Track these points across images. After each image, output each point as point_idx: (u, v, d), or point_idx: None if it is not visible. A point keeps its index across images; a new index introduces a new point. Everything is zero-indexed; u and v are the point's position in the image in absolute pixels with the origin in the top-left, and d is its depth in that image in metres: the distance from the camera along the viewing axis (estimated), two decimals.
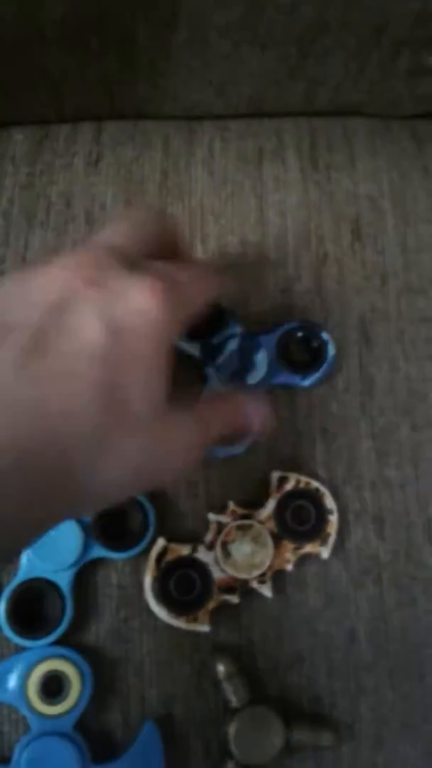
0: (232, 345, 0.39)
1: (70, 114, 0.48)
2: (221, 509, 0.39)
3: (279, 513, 0.38)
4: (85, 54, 0.41)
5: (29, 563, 0.37)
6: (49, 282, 0.24)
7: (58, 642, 0.36)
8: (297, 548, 0.38)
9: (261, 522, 0.38)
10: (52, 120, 0.48)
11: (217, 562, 0.37)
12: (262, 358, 0.39)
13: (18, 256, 0.43)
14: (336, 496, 0.39)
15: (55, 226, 0.44)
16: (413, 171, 0.47)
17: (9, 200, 0.45)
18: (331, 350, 0.40)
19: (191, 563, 0.37)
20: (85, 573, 0.38)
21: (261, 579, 0.37)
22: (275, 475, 0.39)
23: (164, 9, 0.38)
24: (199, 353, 0.39)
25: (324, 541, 0.38)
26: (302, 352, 0.41)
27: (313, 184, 0.46)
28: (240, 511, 0.38)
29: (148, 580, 0.37)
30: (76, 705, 0.36)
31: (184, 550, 0.37)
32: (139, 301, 0.24)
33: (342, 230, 0.45)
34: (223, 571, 0.37)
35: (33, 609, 0.36)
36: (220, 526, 0.38)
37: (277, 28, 0.40)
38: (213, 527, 0.38)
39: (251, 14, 0.38)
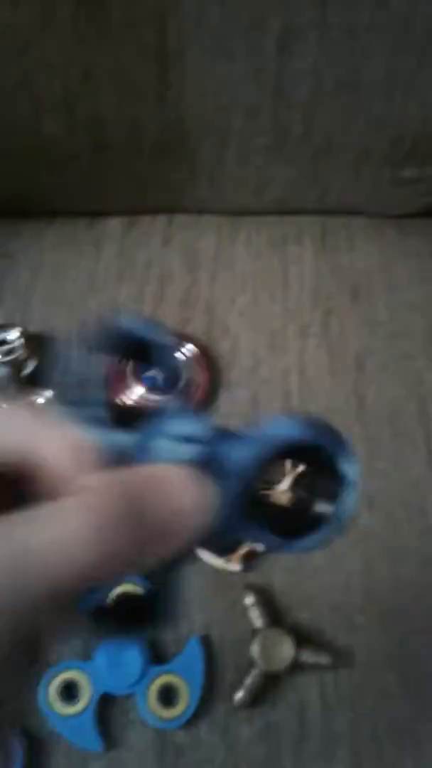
0: None
1: (150, 208, 0.61)
2: None
3: (292, 488, 0.47)
4: (167, 163, 0.54)
5: None
6: None
7: None
8: None
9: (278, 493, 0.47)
10: (137, 212, 0.61)
11: None
12: None
13: (111, 300, 0.55)
14: None
15: (137, 282, 0.57)
16: (398, 254, 0.59)
17: (106, 264, 0.58)
18: None
19: None
20: None
21: None
22: (289, 462, 0.48)
23: (220, 132, 0.51)
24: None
25: None
26: None
27: (323, 261, 0.58)
28: (263, 486, 0.48)
29: None
30: None
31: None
32: None
33: (344, 292, 0.57)
34: None
35: None
36: None
37: (296, 149, 0.53)
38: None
39: (279, 139, 0.52)
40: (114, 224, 0.61)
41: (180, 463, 0.19)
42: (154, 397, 0.52)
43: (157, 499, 0.17)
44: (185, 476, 0.18)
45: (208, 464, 0.19)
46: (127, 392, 0.51)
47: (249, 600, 0.44)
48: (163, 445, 0.20)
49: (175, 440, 0.20)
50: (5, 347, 0.52)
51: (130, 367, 0.52)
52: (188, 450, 0.19)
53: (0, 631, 0.14)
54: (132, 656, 0.43)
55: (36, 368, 0.52)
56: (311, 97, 0.49)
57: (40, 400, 0.50)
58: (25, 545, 0.14)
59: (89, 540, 0.15)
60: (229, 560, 0.45)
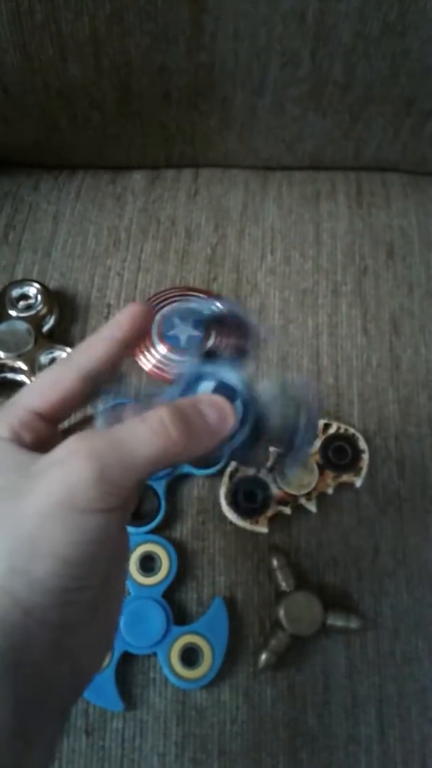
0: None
1: (176, 161, 0.61)
2: None
3: (323, 449, 0.48)
4: (196, 113, 0.54)
5: None
6: None
7: (153, 532, 0.46)
8: (336, 476, 0.47)
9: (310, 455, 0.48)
10: (162, 166, 0.61)
11: (275, 481, 0.47)
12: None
13: (135, 258, 0.56)
14: (368, 444, 0.49)
15: (162, 239, 0.57)
16: None
17: (130, 219, 0.58)
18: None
19: (256, 481, 0.47)
20: (175, 485, 0.48)
21: (307, 497, 0.47)
22: (321, 422, 0.49)
23: (255, 80, 0.51)
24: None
25: (357, 473, 0.48)
26: None
27: (358, 218, 0.58)
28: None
29: (222, 491, 0.47)
30: (164, 579, 0.45)
31: (251, 471, 0.47)
32: None
33: (379, 251, 0.57)
34: (279, 488, 0.47)
35: (137, 505, 0.46)
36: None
37: (335, 99, 0.52)
38: (272, 455, 0.48)
39: (317, 88, 0.51)
40: (138, 178, 0.61)
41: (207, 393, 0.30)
42: (177, 357, 0.53)
43: (197, 414, 0.28)
44: (213, 400, 0.29)
45: (221, 391, 0.30)
46: (152, 350, 0.52)
47: (275, 562, 0.45)
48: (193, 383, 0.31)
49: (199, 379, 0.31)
50: (24, 302, 0.53)
51: (155, 325, 0.53)
52: (208, 385, 0.30)
53: (125, 483, 0.25)
54: (154, 616, 0.44)
55: (55, 324, 0.53)
56: (354, 42, 0.49)
57: (62, 356, 0.51)
58: (122, 442, 0.25)
59: (156, 440, 0.26)
60: (255, 522, 0.46)
